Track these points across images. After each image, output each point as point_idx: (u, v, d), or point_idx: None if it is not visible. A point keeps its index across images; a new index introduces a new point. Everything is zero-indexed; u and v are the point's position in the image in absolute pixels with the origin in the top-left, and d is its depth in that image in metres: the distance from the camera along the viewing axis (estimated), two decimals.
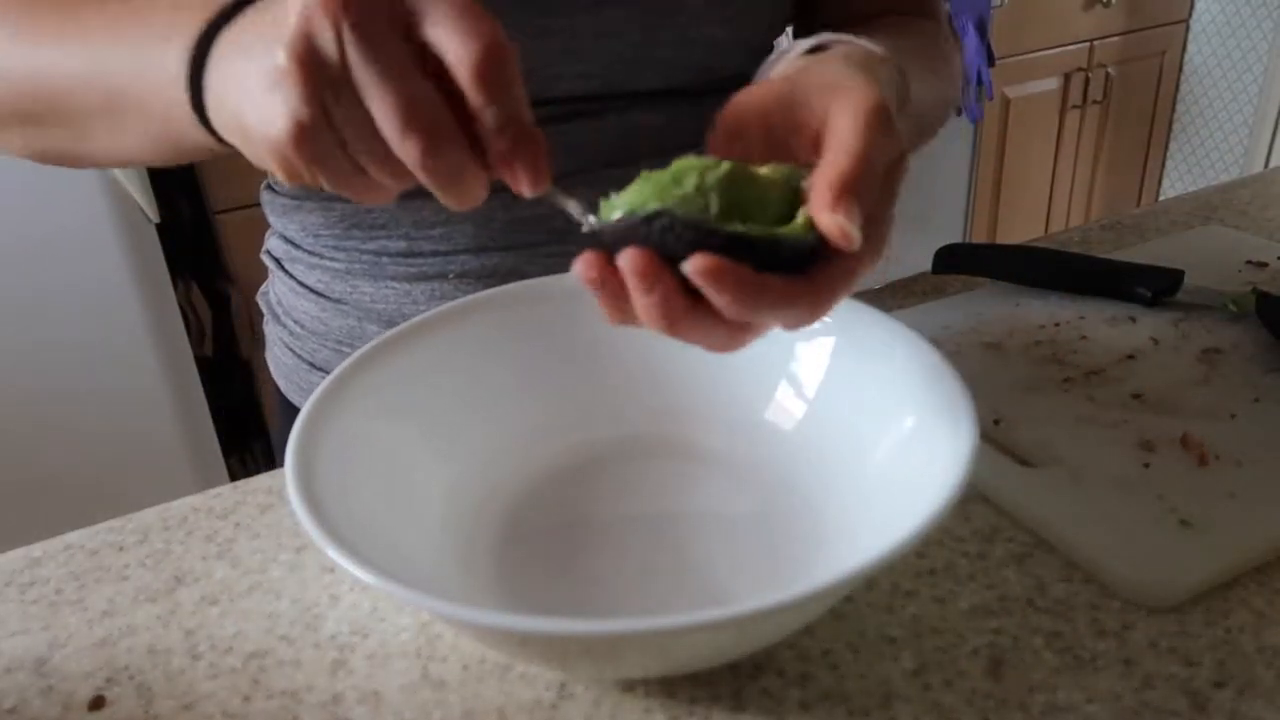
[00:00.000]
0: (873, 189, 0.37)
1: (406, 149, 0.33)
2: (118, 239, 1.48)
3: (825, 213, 0.35)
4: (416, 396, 0.48)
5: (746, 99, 0.42)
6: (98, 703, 0.41)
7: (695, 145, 0.50)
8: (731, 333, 0.37)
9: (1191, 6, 2.63)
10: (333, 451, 0.42)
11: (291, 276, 0.68)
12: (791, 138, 0.41)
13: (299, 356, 0.69)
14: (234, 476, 1.74)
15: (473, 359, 0.50)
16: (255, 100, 0.34)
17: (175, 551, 0.50)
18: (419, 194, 0.53)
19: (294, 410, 0.67)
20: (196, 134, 0.40)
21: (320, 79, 0.32)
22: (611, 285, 0.36)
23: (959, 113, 2.31)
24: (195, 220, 1.80)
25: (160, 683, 0.42)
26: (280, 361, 0.72)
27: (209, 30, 0.38)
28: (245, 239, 1.74)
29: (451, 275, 0.62)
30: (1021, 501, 0.48)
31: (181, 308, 1.64)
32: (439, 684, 0.41)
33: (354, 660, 0.42)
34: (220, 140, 0.40)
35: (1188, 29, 2.66)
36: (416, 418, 0.47)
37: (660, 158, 0.50)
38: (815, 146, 0.39)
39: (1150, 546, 0.44)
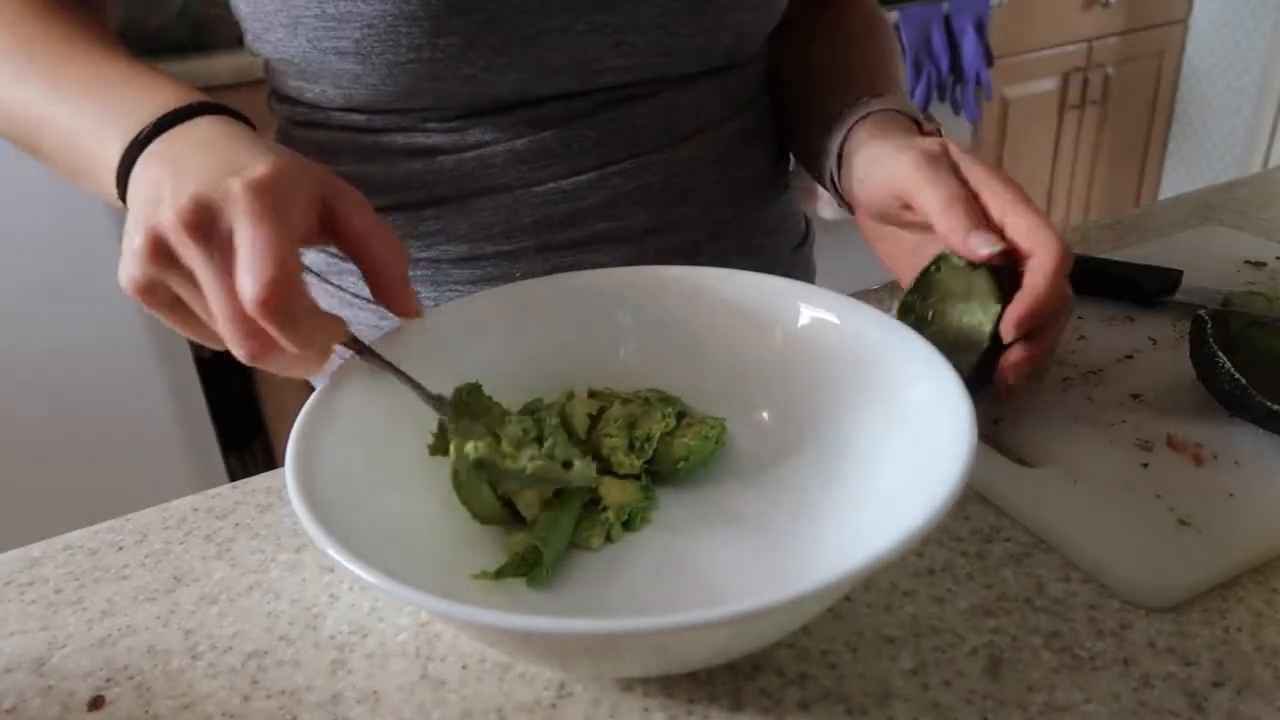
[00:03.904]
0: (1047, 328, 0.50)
1: (225, 330, 0.40)
2: (117, 239, 1.47)
3: (1011, 331, 0.49)
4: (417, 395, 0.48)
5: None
6: (97, 703, 0.41)
7: (723, 120, 0.66)
8: None
9: (1190, 6, 2.63)
10: (333, 451, 0.42)
11: (341, 289, 0.67)
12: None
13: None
14: (233, 476, 1.74)
15: (474, 358, 0.50)
16: (128, 234, 0.41)
17: (174, 551, 0.50)
18: (478, 193, 0.55)
19: None
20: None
21: (161, 264, 0.40)
22: None
23: (957, 112, 2.31)
24: None
25: (160, 682, 0.42)
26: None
27: (139, 140, 0.45)
28: None
29: (518, 275, 0.63)
30: (1020, 501, 0.48)
31: None
32: (438, 683, 0.41)
33: (353, 660, 0.42)
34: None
35: (1186, 29, 2.67)
36: (417, 416, 0.47)
37: (695, 135, 0.64)
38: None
39: (1149, 546, 0.44)
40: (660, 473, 0.48)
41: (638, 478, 0.48)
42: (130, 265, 0.41)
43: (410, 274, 0.63)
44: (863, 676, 0.40)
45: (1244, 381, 0.49)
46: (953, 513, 0.48)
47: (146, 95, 0.47)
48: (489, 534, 0.46)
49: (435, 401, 0.47)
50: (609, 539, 0.45)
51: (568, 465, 0.45)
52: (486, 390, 0.50)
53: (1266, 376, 0.51)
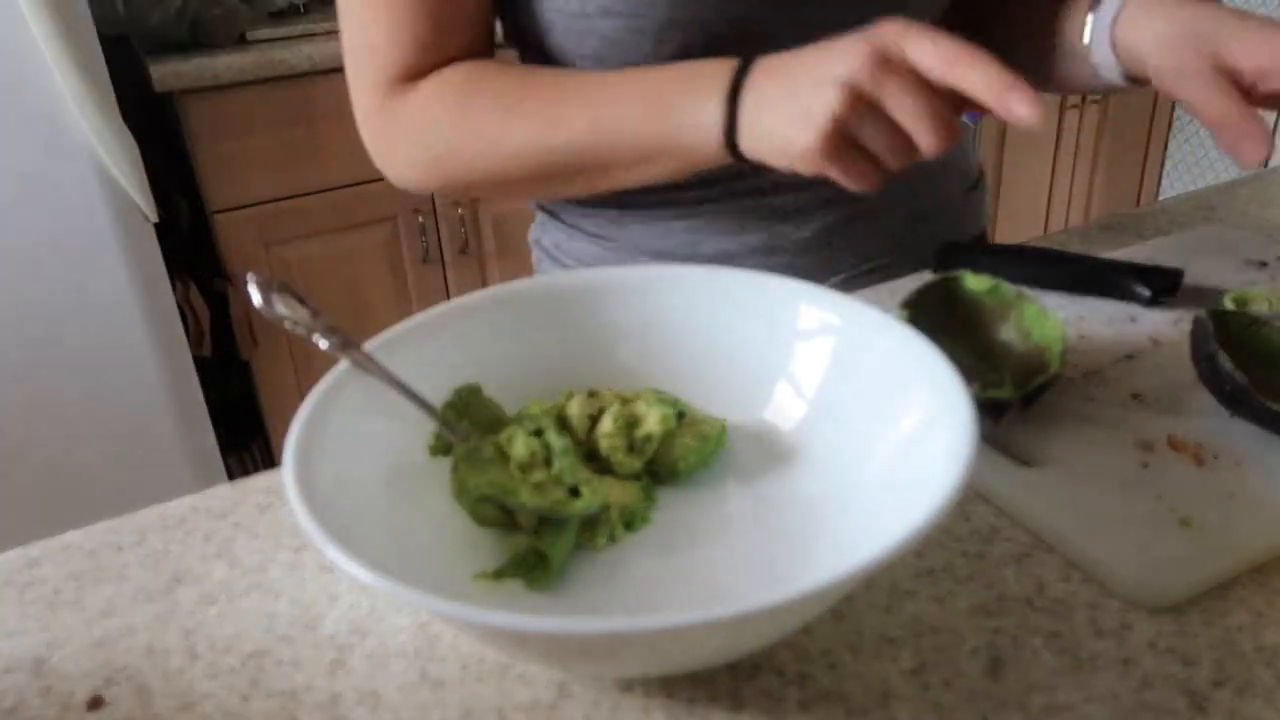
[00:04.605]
0: None
1: (923, 134, 0.49)
2: (116, 239, 1.48)
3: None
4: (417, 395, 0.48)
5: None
6: (96, 703, 0.41)
7: None
8: None
9: None
10: (332, 451, 0.42)
11: (565, 223, 0.78)
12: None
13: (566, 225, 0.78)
14: (232, 476, 1.74)
15: (473, 358, 0.50)
16: (790, 121, 0.51)
17: (174, 551, 0.50)
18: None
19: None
20: (717, 156, 0.57)
21: (858, 109, 0.50)
22: None
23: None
24: (193, 220, 1.80)
25: (159, 683, 0.42)
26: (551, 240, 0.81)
27: (733, 90, 0.55)
28: (244, 239, 1.74)
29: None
30: (1021, 501, 0.48)
31: (180, 308, 1.63)
32: (438, 684, 0.41)
33: (353, 660, 0.42)
34: (737, 157, 0.56)
35: None
36: (416, 415, 0.47)
37: None
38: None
39: (1149, 546, 0.44)
40: (660, 473, 0.48)
41: (638, 478, 0.48)
42: (816, 121, 0.50)
43: (622, 215, 0.74)
44: (863, 676, 0.40)
45: (1245, 382, 0.49)
46: (953, 513, 0.48)
47: (692, 68, 0.58)
48: (489, 534, 0.46)
49: (430, 411, 0.47)
50: (612, 539, 0.45)
51: (575, 492, 0.45)
52: (486, 391, 0.50)
53: (1267, 376, 0.51)
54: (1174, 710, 0.38)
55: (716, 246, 0.73)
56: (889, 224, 0.77)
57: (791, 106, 0.52)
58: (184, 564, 0.49)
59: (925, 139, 0.49)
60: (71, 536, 0.51)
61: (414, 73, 0.64)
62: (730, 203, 0.72)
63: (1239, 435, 0.51)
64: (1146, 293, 0.65)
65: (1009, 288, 0.57)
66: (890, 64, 0.49)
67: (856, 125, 0.50)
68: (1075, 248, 0.76)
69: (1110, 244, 0.78)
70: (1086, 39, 0.65)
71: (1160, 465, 0.50)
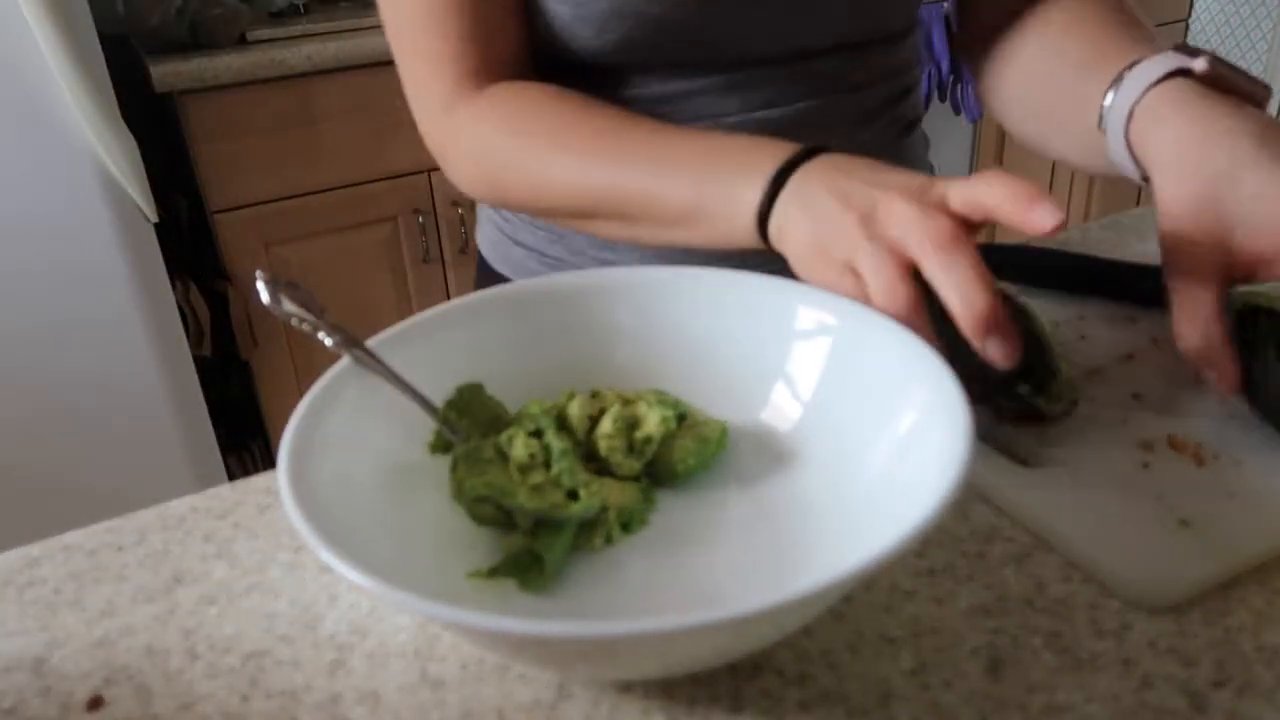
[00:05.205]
0: None
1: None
2: (116, 239, 1.48)
3: None
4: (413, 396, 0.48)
5: (1173, 231, 0.52)
6: (96, 703, 0.41)
7: (860, 85, 0.72)
8: None
9: (1191, 6, 2.63)
10: (328, 449, 0.42)
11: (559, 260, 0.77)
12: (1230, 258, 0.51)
13: (505, 234, 0.79)
14: (232, 476, 1.74)
15: (470, 359, 0.50)
16: (810, 245, 0.49)
17: (174, 551, 0.50)
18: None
19: (496, 277, 0.80)
20: (747, 240, 0.54)
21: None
22: None
23: (958, 112, 2.30)
24: (193, 220, 1.80)
25: (159, 683, 0.42)
26: (488, 238, 0.82)
27: (780, 175, 0.52)
28: (244, 239, 1.74)
29: None
30: (1021, 502, 0.48)
31: (180, 308, 1.63)
32: (437, 684, 0.41)
33: (352, 660, 0.42)
34: (767, 245, 0.53)
35: (1187, 28, 2.66)
36: (414, 414, 0.47)
37: (841, 92, 0.71)
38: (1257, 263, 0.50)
39: (1149, 546, 0.44)
40: (659, 475, 0.48)
41: (636, 480, 0.48)
42: (839, 265, 0.48)
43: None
44: (863, 677, 0.40)
45: None
46: (953, 513, 0.48)
47: (753, 144, 0.55)
48: (486, 533, 0.46)
49: (432, 410, 0.47)
50: (609, 540, 0.45)
51: (573, 494, 0.45)
52: (487, 390, 0.50)
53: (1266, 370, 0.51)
54: (1174, 710, 0.38)
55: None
56: None
57: (818, 229, 0.49)
58: (184, 564, 0.49)
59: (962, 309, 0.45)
60: (71, 536, 0.51)
61: (468, 79, 0.64)
62: None
63: (1239, 435, 0.51)
64: (1147, 293, 0.65)
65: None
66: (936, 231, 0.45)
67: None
68: (1075, 248, 0.76)
69: (1110, 244, 0.78)
70: (1101, 123, 0.58)
71: (1160, 465, 0.50)
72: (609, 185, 0.59)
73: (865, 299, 0.47)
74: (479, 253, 0.85)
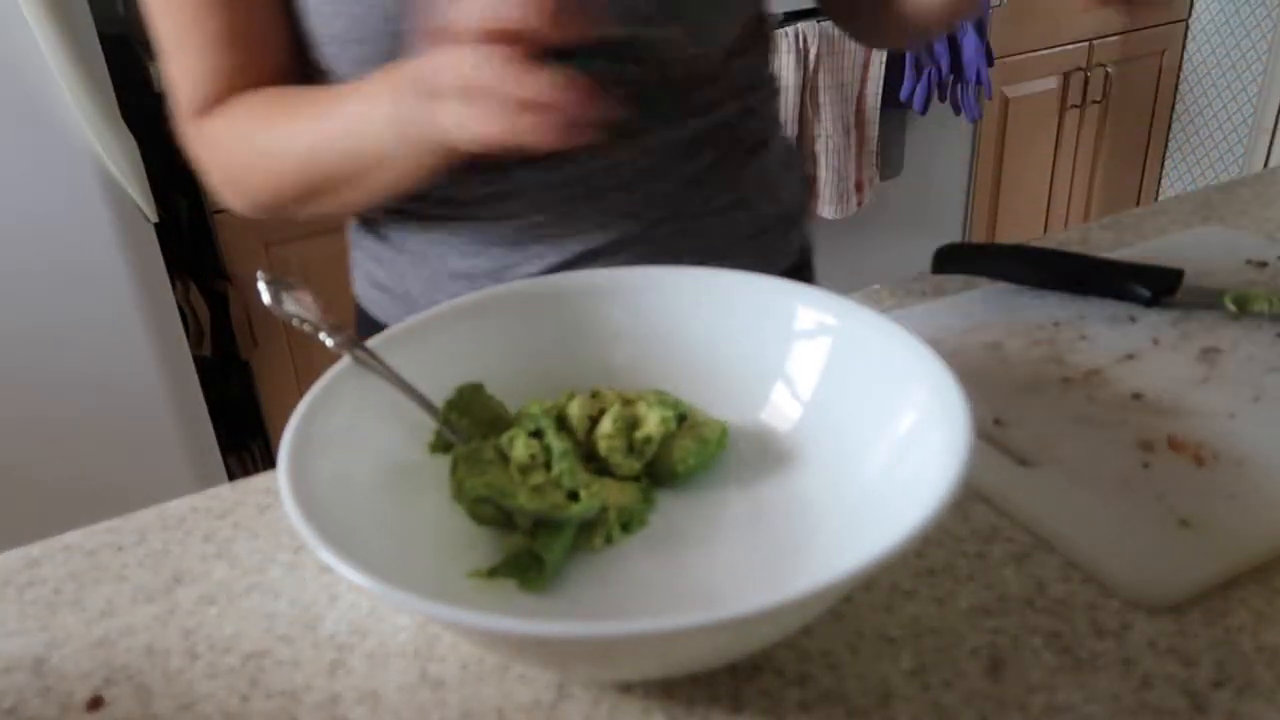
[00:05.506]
0: None
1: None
2: (116, 239, 1.47)
3: None
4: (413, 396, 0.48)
5: None
6: (96, 703, 0.41)
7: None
8: None
9: (1191, 6, 2.63)
10: (328, 449, 0.42)
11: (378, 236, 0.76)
12: None
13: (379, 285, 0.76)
14: (232, 477, 1.73)
15: (470, 359, 0.50)
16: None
17: (174, 552, 0.50)
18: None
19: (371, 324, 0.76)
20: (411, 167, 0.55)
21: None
22: None
23: (958, 112, 2.30)
24: (193, 220, 1.80)
25: (158, 683, 0.42)
26: (364, 272, 0.79)
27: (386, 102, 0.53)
28: (244, 239, 1.74)
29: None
30: (1021, 501, 0.48)
31: (180, 307, 1.63)
32: (437, 684, 0.41)
33: (352, 660, 0.42)
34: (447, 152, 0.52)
35: (1187, 28, 2.66)
36: (413, 414, 0.47)
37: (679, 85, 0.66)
38: None
39: (1149, 546, 0.44)
40: (659, 475, 0.48)
41: (636, 480, 0.48)
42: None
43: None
44: (863, 677, 0.40)
45: None
46: (953, 513, 0.48)
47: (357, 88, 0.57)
48: (487, 532, 0.46)
49: (433, 411, 0.47)
50: (609, 540, 0.45)
51: (573, 495, 0.45)
52: (487, 390, 0.50)
53: None
54: (1174, 710, 0.38)
55: (545, 259, 0.69)
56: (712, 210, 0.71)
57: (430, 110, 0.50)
58: (184, 564, 0.49)
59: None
60: (71, 536, 0.51)
61: (217, 102, 0.64)
62: (556, 209, 0.68)
63: (1239, 435, 0.51)
64: (1146, 293, 0.65)
65: None
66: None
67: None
68: (1075, 247, 0.76)
69: (1110, 244, 0.78)
70: None
71: (1160, 465, 0.50)
72: (306, 151, 0.60)
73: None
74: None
